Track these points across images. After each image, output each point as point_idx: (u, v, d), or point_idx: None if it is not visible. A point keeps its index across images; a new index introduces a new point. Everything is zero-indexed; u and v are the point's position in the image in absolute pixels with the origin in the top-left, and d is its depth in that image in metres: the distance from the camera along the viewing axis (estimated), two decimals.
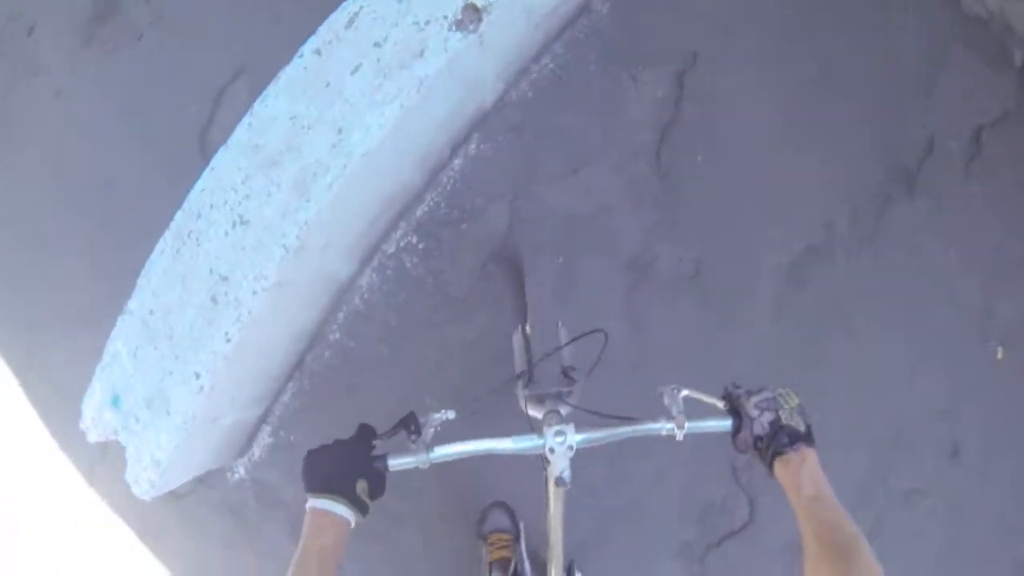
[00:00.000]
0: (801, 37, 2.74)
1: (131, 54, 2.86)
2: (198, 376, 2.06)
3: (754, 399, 1.09)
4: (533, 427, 1.23)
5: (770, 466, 1.06)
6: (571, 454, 1.10)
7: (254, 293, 2.05)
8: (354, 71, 2.10)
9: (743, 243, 2.58)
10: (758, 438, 1.07)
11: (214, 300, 2.09)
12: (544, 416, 1.22)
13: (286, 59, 2.16)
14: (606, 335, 1.32)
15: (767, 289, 2.56)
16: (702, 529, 2.45)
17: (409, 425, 1.11)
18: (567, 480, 1.11)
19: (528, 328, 1.86)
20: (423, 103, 2.11)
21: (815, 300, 2.57)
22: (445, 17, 2.14)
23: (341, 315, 2.48)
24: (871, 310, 2.58)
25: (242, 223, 2.08)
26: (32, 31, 3.04)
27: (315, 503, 1.01)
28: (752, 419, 1.08)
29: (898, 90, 2.73)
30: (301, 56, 2.16)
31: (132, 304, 2.17)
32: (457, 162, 2.52)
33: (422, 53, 2.09)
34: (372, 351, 2.45)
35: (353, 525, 1.02)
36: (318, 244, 2.12)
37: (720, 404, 1.15)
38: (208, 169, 2.15)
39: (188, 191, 2.13)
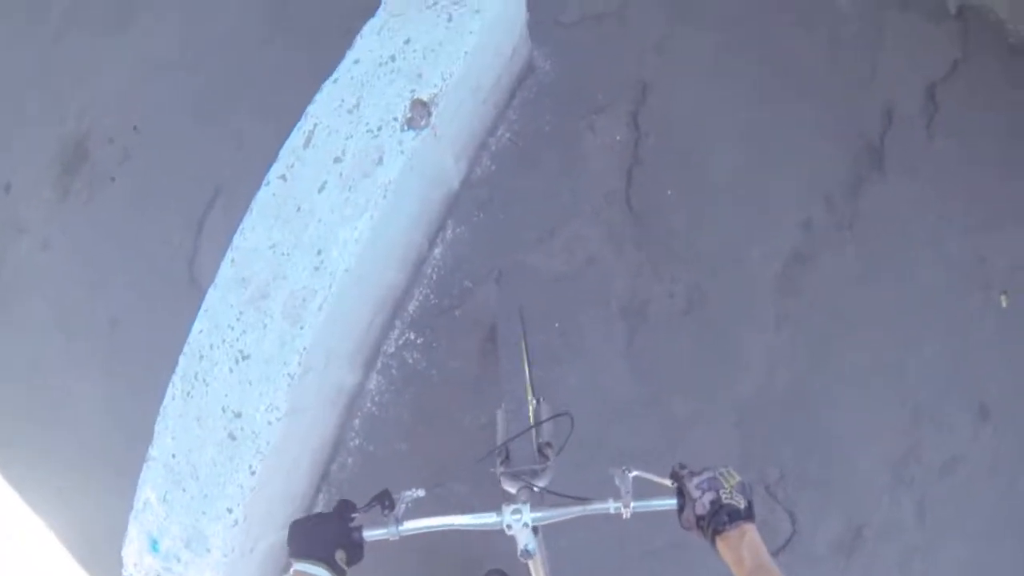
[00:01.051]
0: (743, 44, 2.79)
1: (107, 198, 2.95)
2: (230, 511, 2.11)
3: (696, 480, 1.15)
4: (506, 500, 1.31)
5: (712, 542, 1.11)
6: (527, 531, 1.19)
7: (269, 424, 2.10)
8: (320, 189, 2.17)
9: (729, 264, 2.61)
10: (699, 517, 1.12)
11: (232, 436, 2.14)
12: (516, 492, 1.32)
13: (255, 178, 2.23)
14: (572, 419, 1.40)
15: (762, 303, 2.59)
16: None
17: (383, 501, 1.25)
18: (532, 552, 1.20)
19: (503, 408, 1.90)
20: (392, 207, 2.17)
21: (811, 302, 2.59)
22: (395, 119, 2.20)
23: (357, 421, 2.52)
24: (868, 295, 2.59)
25: (243, 359, 2.13)
26: (8, 189, 3.14)
27: (299, 567, 1.14)
28: (694, 500, 1.13)
29: (846, 70, 2.78)
30: (268, 184, 2.23)
31: (153, 451, 2.22)
32: (437, 251, 2.58)
33: (381, 160, 2.16)
34: (392, 450, 2.50)
35: None
36: (320, 364, 2.18)
37: (669, 483, 1.22)
38: (202, 311, 2.21)
39: (186, 321, 2.19)
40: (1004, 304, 2.61)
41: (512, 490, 1.39)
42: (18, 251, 2.99)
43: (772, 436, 2.48)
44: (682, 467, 1.22)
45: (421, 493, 1.28)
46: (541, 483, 1.38)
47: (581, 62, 2.79)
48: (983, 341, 2.56)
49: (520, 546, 1.20)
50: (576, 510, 1.21)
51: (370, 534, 1.22)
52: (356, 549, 1.21)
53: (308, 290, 2.10)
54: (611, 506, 1.17)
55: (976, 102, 2.73)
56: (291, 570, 1.15)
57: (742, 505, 1.10)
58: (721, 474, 1.15)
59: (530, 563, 1.29)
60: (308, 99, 2.28)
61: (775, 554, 2.35)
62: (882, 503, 2.43)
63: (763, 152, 2.71)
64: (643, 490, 1.20)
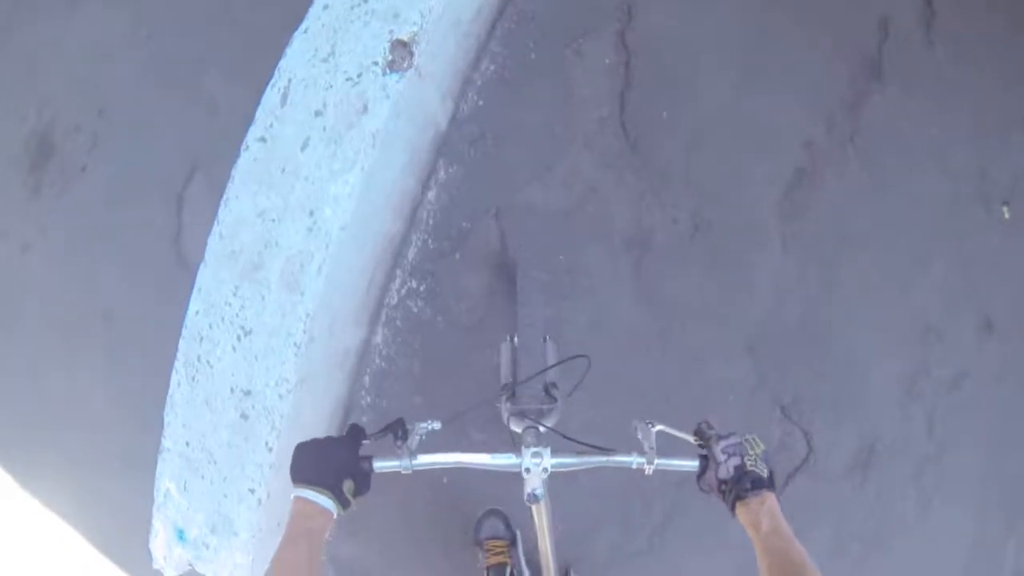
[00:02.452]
0: None
1: (81, 187, 2.82)
2: (252, 491, 2.05)
3: (723, 443, 1.13)
4: (513, 440, 1.30)
5: (732, 507, 1.11)
6: (545, 476, 1.15)
7: (280, 397, 2.03)
8: (304, 147, 2.05)
9: (731, 186, 2.51)
10: (722, 481, 1.11)
11: (244, 416, 2.07)
12: (523, 432, 1.27)
13: (233, 145, 2.12)
14: (589, 361, 1.36)
15: (768, 225, 2.50)
16: None
17: (397, 430, 1.17)
18: (539, 497, 1.16)
19: (516, 340, 1.85)
20: (382, 156, 2.06)
21: (816, 221, 2.52)
22: (376, 63, 2.08)
23: (367, 379, 2.44)
24: (872, 211, 2.53)
25: (246, 334, 2.05)
26: None
27: (302, 493, 1.07)
28: (719, 463, 1.12)
29: None
30: (247, 148, 2.12)
31: (166, 442, 2.15)
32: (431, 194, 2.46)
33: (365, 108, 2.04)
34: (406, 404, 2.42)
35: (335, 517, 1.08)
36: (325, 328, 2.09)
37: (692, 440, 1.20)
38: (195, 291, 2.11)
39: (181, 303, 2.11)
40: (1007, 216, 2.56)
41: (517, 428, 1.34)
42: None
43: (784, 359, 2.43)
44: (709, 427, 1.20)
45: (437, 426, 1.22)
46: (548, 423, 1.33)
47: None
48: (986, 254, 2.53)
49: (528, 489, 1.15)
50: (597, 460, 1.17)
51: (381, 465, 1.15)
52: (364, 479, 1.13)
53: (304, 254, 2.00)
54: (634, 460, 1.14)
55: (975, 3, 2.62)
56: (292, 495, 1.07)
57: (765, 473, 1.11)
58: (747, 440, 1.14)
59: (534, 507, 1.25)
60: (277, 51, 2.15)
61: (793, 474, 2.39)
62: (894, 419, 2.43)
63: (758, 70, 2.59)
64: (663, 446, 1.17)
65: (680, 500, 2.34)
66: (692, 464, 1.15)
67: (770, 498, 1.09)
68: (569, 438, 1.24)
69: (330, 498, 1.07)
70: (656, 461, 1.13)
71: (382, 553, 2.41)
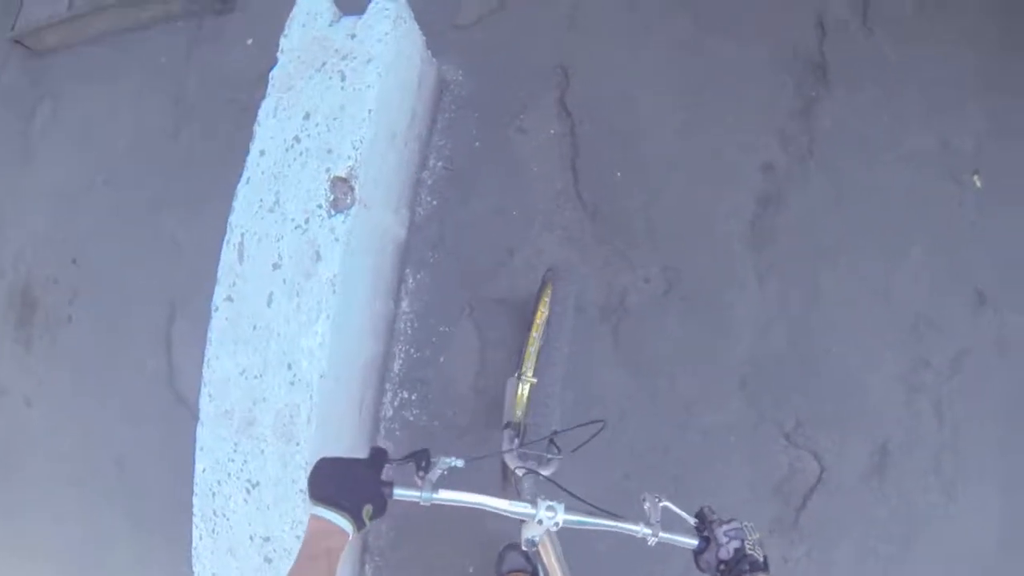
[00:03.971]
0: None
1: (70, 338, 2.89)
2: None
3: (725, 527, 1.19)
4: (504, 475, 1.36)
5: None
6: (555, 530, 1.19)
7: (298, 538, 2.09)
8: (269, 303, 2.10)
9: (697, 230, 2.51)
10: (722, 562, 1.16)
11: (267, 560, 2.14)
12: (522, 477, 1.32)
13: (203, 282, 2.17)
14: (604, 424, 1.39)
15: (739, 260, 2.50)
16: (782, 499, 2.46)
17: (420, 461, 1.18)
18: (536, 543, 1.21)
19: (525, 376, 1.88)
20: (345, 298, 2.10)
21: (787, 244, 2.50)
22: (319, 206, 2.10)
23: None
24: (841, 218, 2.51)
25: (253, 486, 2.11)
26: None
27: (321, 513, 1.07)
28: (720, 544, 1.17)
29: None
30: (217, 309, 2.16)
31: None
32: (405, 304, 2.50)
33: (318, 255, 2.07)
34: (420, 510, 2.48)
35: (350, 538, 1.08)
36: None
37: (692, 521, 1.24)
38: (198, 450, 2.18)
39: (186, 441, 2.16)
40: (978, 184, 2.51)
41: (518, 472, 1.38)
42: (3, 415, 2.96)
43: (780, 388, 2.44)
44: (711, 511, 1.25)
45: (460, 463, 1.21)
46: (546, 471, 1.39)
47: (492, 62, 2.64)
48: (966, 227, 2.49)
49: (527, 535, 1.20)
50: (606, 523, 1.22)
51: (401, 493, 1.15)
52: (382, 504, 1.12)
53: (291, 406, 2.06)
54: (640, 530, 1.19)
55: None
56: (311, 512, 1.07)
57: (761, 558, 1.16)
58: (746, 526, 1.19)
59: (541, 549, 1.28)
60: (228, 183, 2.19)
61: (809, 495, 2.40)
62: (901, 417, 2.42)
63: (704, 103, 2.58)
64: (667, 521, 1.22)
65: None
66: (692, 542, 1.20)
67: None
68: (579, 498, 1.28)
69: (349, 520, 1.06)
70: (661, 534, 1.18)
71: None
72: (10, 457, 2.93)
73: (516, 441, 1.52)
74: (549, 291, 1.97)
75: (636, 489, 1.32)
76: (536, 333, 2.07)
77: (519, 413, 1.85)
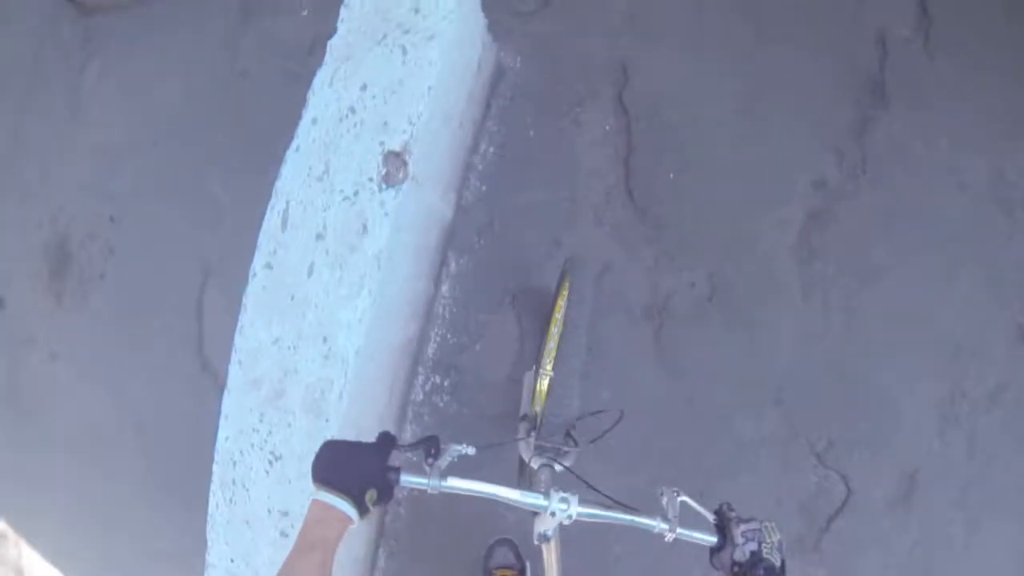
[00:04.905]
0: (716, 2, 2.57)
1: (102, 296, 2.88)
2: None
3: (743, 527, 1.14)
4: (520, 469, 1.30)
5: None
6: (568, 523, 1.15)
7: None
8: (309, 273, 2.05)
9: (744, 239, 2.46)
10: (737, 563, 1.12)
11: (283, 534, 2.10)
12: (538, 469, 1.29)
13: (241, 249, 2.13)
14: (622, 414, 1.38)
15: (785, 273, 2.44)
16: (807, 518, 2.41)
17: (430, 447, 1.14)
18: (548, 537, 1.17)
19: (543, 370, 1.83)
20: (389, 274, 2.05)
21: (834, 260, 2.44)
22: (370, 179, 2.06)
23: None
24: (890, 241, 2.45)
25: (276, 459, 2.07)
26: (3, 304, 3.07)
27: (323, 497, 1.04)
28: (736, 545, 1.13)
29: (830, 6, 2.57)
30: (255, 275, 2.12)
31: (211, 557, 2.20)
32: (445, 288, 2.45)
33: (365, 228, 2.02)
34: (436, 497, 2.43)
35: (355, 524, 1.05)
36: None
37: (711, 518, 1.20)
38: (222, 418, 2.14)
39: (209, 410, 2.13)
40: None
41: (534, 464, 1.35)
42: (29, 366, 2.95)
43: (815, 406, 2.39)
44: (730, 509, 1.20)
45: (471, 451, 1.18)
46: (564, 464, 1.35)
47: (552, 52, 2.58)
48: (1013, 262, 2.42)
49: (541, 528, 1.16)
50: (621, 517, 1.17)
51: (408, 479, 1.11)
52: (388, 490, 1.09)
53: (324, 381, 2.01)
54: (657, 525, 1.15)
55: (971, 5, 2.50)
56: (312, 496, 1.05)
57: (778, 563, 1.11)
58: (766, 527, 1.15)
59: (544, 547, 1.24)
60: (274, 150, 2.15)
61: (833, 517, 2.36)
62: (932, 446, 2.37)
63: (760, 113, 2.52)
64: (685, 517, 1.18)
65: None
66: (710, 539, 1.16)
67: None
68: (595, 488, 1.25)
69: (352, 505, 1.03)
70: (678, 530, 1.14)
71: (410, 566, 2.44)
72: (31, 408, 2.91)
73: (532, 434, 1.47)
74: (568, 283, 1.93)
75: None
76: (555, 327, 2.02)
77: (536, 406, 1.81)
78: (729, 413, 2.41)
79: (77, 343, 2.90)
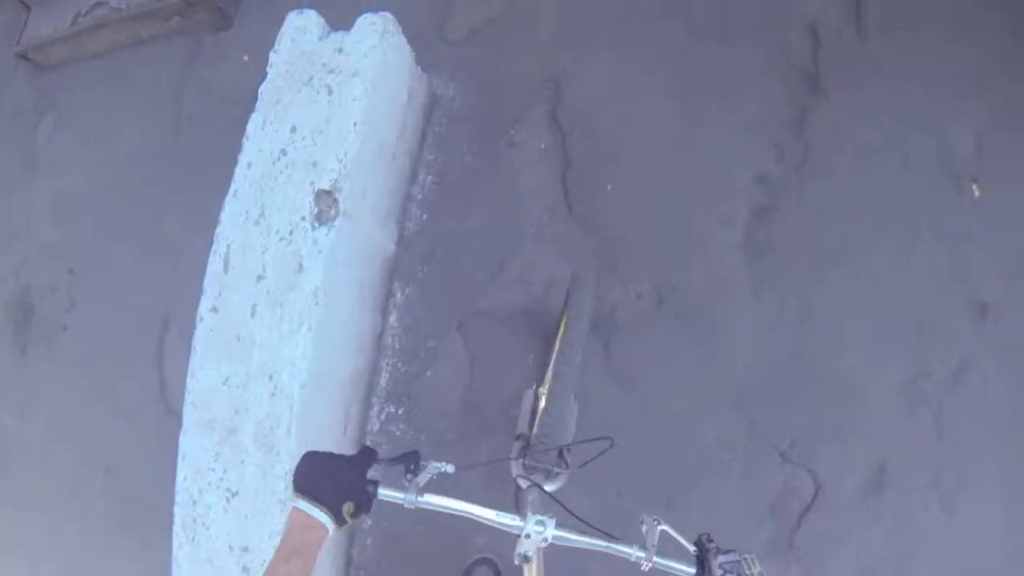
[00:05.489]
0: (645, 7, 2.63)
1: (64, 347, 2.92)
2: None
3: (721, 559, 1.12)
4: (516, 494, 1.31)
5: None
6: (544, 545, 1.14)
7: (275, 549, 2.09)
8: (252, 314, 2.11)
9: (689, 241, 2.48)
10: None
11: (245, 570, 2.13)
12: (526, 490, 1.28)
13: (198, 297, 2.17)
14: (612, 442, 1.36)
15: (734, 272, 2.46)
16: (778, 518, 2.41)
17: (410, 463, 1.16)
18: (529, 558, 1.16)
19: (542, 391, 1.84)
20: (328, 309, 2.10)
21: (784, 254, 2.46)
22: (303, 218, 2.12)
23: None
24: (840, 228, 2.46)
25: (233, 496, 2.11)
26: None
27: (301, 505, 1.06)
28: None
29: (758, 1, 2.62)
30: (202, 319, 2.18)
31: None
32: (393, 318, 2.50)
33: (301, 266, 2.08)
34: (409, 520, 2.47)
35: (330, 534, 1.07)
36: None
37: (691, 548, 1.18)
38: (180, 458, 2.18)
39: (175, 452, 2.16)
40: (977, 193, 2.45)
41: (523, 484, 1.34)
42: None
43: (776, 404, 2.38)
44: (710, 540, 1.18)
45: (450, 469, 1.19)
46: (554, 486, 1.35)
47: (484, 76, 2.65)
48: (965, 237, 2.43)
49: (520, 550, 1.15)
50: (598, 544, 1.16)
51: (385, 493, 1.13)
52: (366, 503, 1.11)
53: (272, 417, 2.06)
54: (634, 553, 1.14)
55: None
56: (291, 503, 1.07)
57: None
58: (746, 559, 1.13)
59: (526, 568, 1.24)
60: (223, 195, 2.21)
61: (802, 514, 2.33)
62: (901, 431, 2.35)
63: (695, 116, 2.56)
64: (664, 546, 1.16)
65: None
66: (689, 571, 1.14)
67: None
68: (576, 516, 1.23)
69: (328, 515, 1.05)
70: (655, 559, 1.13)
71: None
72: (4, 468, 2.95)
73: (524, 453, 1.48)
74: (568, 302, 1.97)
75: (629, 508, 1.29)
76: (559, 345, 2.05)
77: (532, 427, 1.81)
78: (688, 421, 2.40)
79: (43, 395, 2.93)
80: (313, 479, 1.08)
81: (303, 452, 1.12)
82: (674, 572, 1.14)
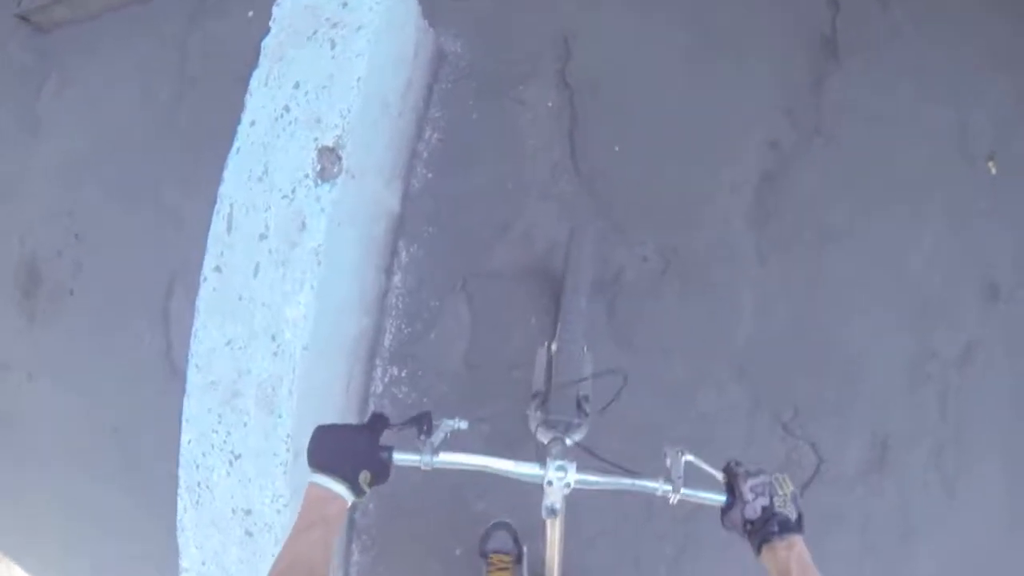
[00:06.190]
0: None
1: (71, 310, 2.91)
2: None
3: (751, 481, 1.08)
4: (537, 449, 1.28)
5: (758, 549, 1.06)
6: (567, 491, 1.11)
7: (278, 512, 2.08)
8: (255, 273, 2.07)
9: (696, 205, 2.43)
10: (748, 521, 1.07)
11: (248, 533, 2.13)
12: (548, 444, 1.24)
13: (201, 257, 2.13)
14: (625, 378, 1.35)
15: (741, 238, 2.41)
16: None
17: (422, 424, 1.14)
18: (556, 511, 1.12)
19: (553, 347, 1.81)
20: (330, 268, 2.06)
21: (792, 222, 2.40)
22: (306, 176, 2.07)
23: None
24: (850, 198, 2.41)
25: (236, 459, 2.10)
26: None
27: (318, 480, 1.05)
28: (746, 502, 1.07)
29: None
30: (205, 279, 2.14)
31: (184, 562, 2.24)
32: (396, 278, 2.46)
33: (304, 225, 2.04)
34: (410, 482, 2.46)
35: (350, 505, 1.06)
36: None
37: (719, 476, 1.14)
38: (184, 421, 2.17)
39: (179, 413, 2.15)
40: (993, 171, 2.39)
41: (543, 439, 1.32)
42: (7, 388, 3.00)
43: (779, 373, 2.34)
44: (738, 464, 1.15)
45: (464, 425, 1.17)
46: (575, 437, 1.31)
47: (492, 32, 2.58)
48: (979, 215, 2.37)
49: (548, 502, 1.11)
50: (623, 482, 1.13)
51: (400, 458, 1.10)
52: (383, 470, 1.09)
53: (274, 378, 2.03)
54: (660, 487, 1.10)
55: None
56: (309, 479, 1.06)
57: (793, 516, 1.05)
58: (776, 479, 1.09)
59: (549, 522, 1.22)
60: (226, 153, 2.16)
61: (807, 486, 2.31)
62: (904, 408, 2.32)
63: (708, 78, 2.49)
64: (689, 477, 1.12)
65: (691, 534, 2.33)
66: (719, 498, 1.10)
67: (798, 542, 1.04)
68: (597, 456, 1.21)
69: (347, 487, 1.04)
70: (682, 490, 1.09)
71: (383, 560, 2.44)
72: (12, 431, 2.96)
73: (539, 412, 1.45)
74: (568, 254, 1.93)
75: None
76: (564, 297, 2.01)
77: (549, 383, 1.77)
78: (690, 386, 2.37)
79: (51, 360, 2.94)
80: (327, 453, 1.06)
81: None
82: (704, 501, 1.10)
